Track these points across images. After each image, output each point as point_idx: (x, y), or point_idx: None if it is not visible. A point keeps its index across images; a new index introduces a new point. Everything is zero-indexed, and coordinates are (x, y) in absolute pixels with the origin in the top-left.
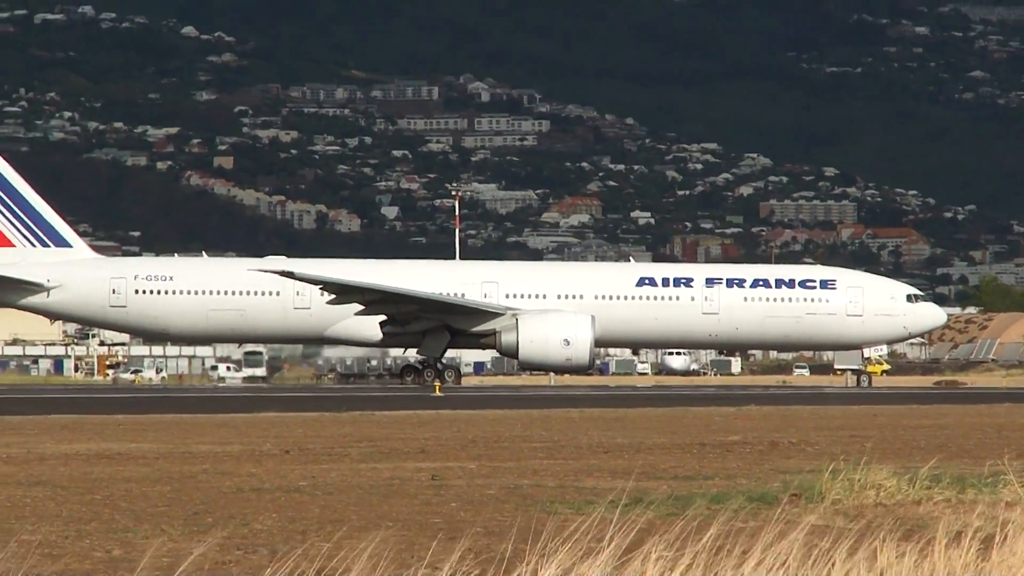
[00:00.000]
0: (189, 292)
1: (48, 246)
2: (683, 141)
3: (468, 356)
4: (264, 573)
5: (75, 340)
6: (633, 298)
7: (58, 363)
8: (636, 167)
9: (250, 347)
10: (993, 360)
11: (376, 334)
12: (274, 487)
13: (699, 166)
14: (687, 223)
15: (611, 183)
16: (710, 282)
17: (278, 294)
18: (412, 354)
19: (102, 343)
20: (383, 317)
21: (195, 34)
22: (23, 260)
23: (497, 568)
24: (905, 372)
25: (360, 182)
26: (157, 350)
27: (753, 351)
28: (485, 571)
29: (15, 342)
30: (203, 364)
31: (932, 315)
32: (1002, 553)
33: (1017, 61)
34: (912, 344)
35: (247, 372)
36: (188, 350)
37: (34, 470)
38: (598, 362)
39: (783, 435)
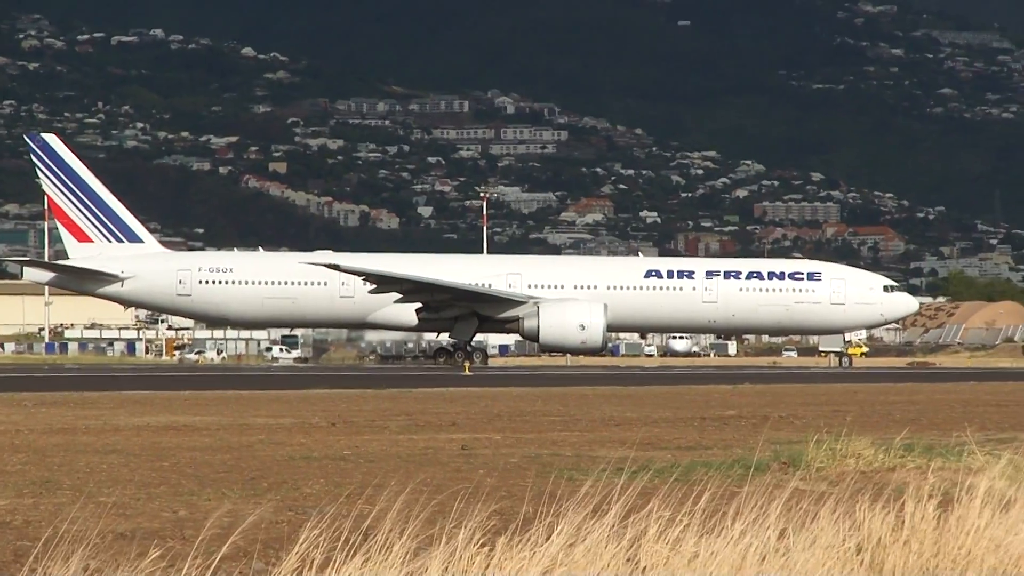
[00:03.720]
0: (247, 282)
1: (123, 242)
2: (686, 149)
3: (494, 339)
4: (306, 526)
5: (146, 325)
6: (641, 288)
7: (131, 345)
8: (644, 172)
9: (286, 332)
10: (959, 343)
11: (413, 320)
12: (322, 455)
13: (700, 171)
14: (689, 222)
15: (622, 186)
16: (710, 274)
17: (325, 284)
18: (444, 338)
19: (170, 327)
20: (419, 305)
21: (253, 54)
22: (101, 254)
23: (517, 525)
24: (882, 354)
25: (399, 185)
26: (218, 333)
27: (747, 335)
28: (507, 527)
29: (93, 326)
30: (259, 346)
31: (906, 304)
32: (960, 508)
33: (981, 80)
34: (888, 329)
35: (296, 353)
36: (245, 333)
37: (109, 440)
38: (610, 345)
39: (774, 410)
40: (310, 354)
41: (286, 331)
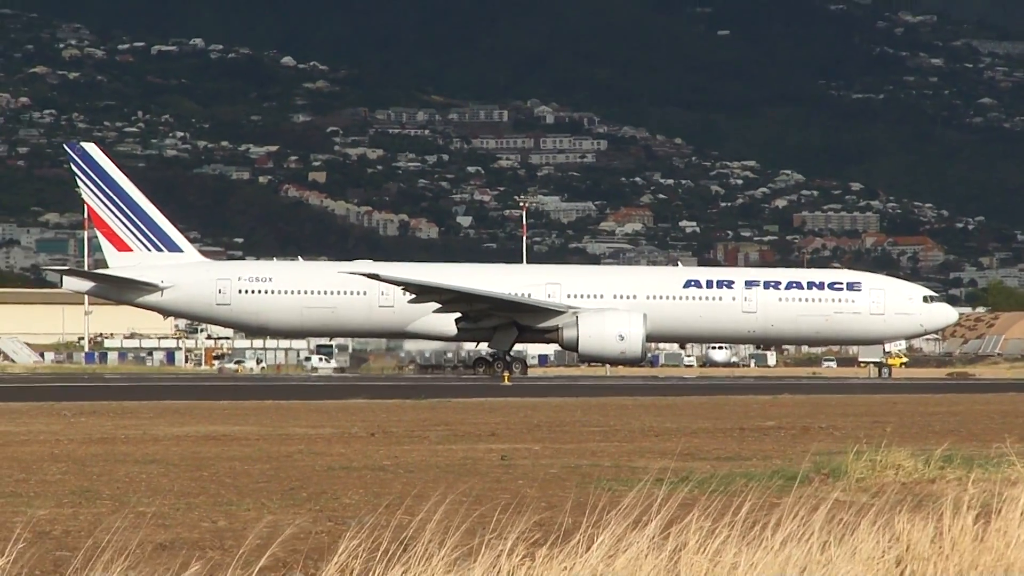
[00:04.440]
0: (286, 292)
1: (162, 251)
2: (725, 159)
3: (533, 350)
4: (345, 536)
5: (185, 334)
6: (680, 298)
7: (170, 355)
8: (684, 182)
9: (322, 341)
10: (999, 354)
11: (452, 329)
12: (361, 466)
13: (739, 181)
14: (728, 231)
15: (661, 196)
16: (749, 284)
17: (365, 293)
18: (484, 347)
19: (209, 337)
20: (458, 314)
21: (293, 63)
22: (140, 263)
23: (557, 536)
24: (921, 365)
25: (438, 194)
26: (257, 343)
27: (787, 346)
28: (546, 538)
29: (132, 336)
30: (298, 355)
31: (945, 314)
32: (999, 521)
33: (1021, 90)
34: (927, 340)
35: (334, 364)
36: (285, 343)
37: (149, 449)
38: (649, 355)
39: (813, 420)
40: (347, 363)
41: (325, 341)
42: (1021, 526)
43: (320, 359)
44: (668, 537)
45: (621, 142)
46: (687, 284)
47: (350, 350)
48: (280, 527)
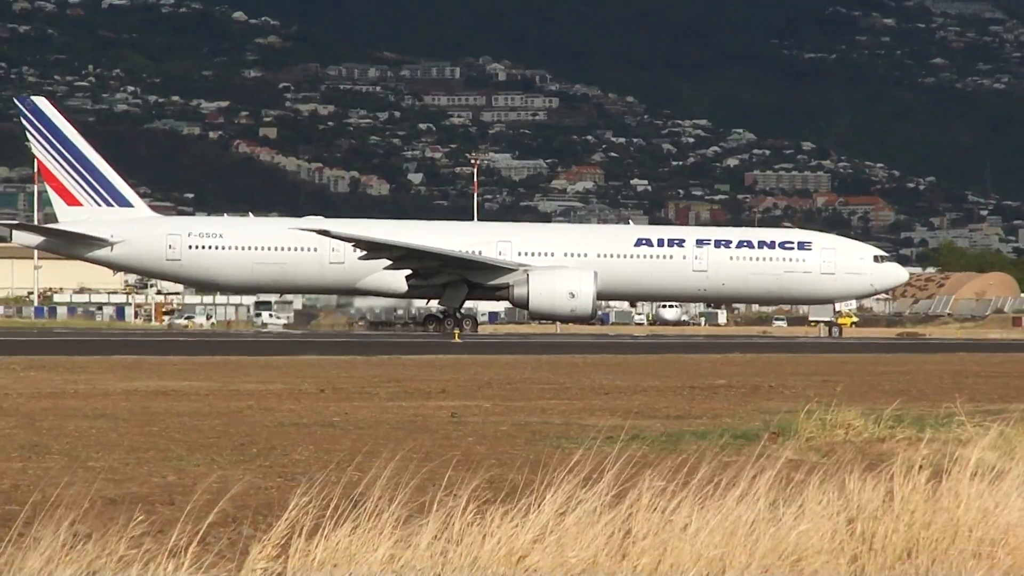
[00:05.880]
0: (237, 248)
1: (112, 205)
2: (677, 118)
3: (484, 307)
4: (295, 492)
5: (135, 290)
6: (631, 256)
7: (120, 310)
8: (635, 140)
9: (264, 297)
10: (949, 314)
11: (402, 286)
12: (311, 422)
13: (691, 140)
14: (680, 190)
15: (613, 154)
16: (700, 243)
17: (315, 250)
18: (434, 304)
19: (159, 292)
20: (408, 271)
21: (244, 18)
22: (90, 218)
23: (508, 494)
24: (871, 324)
25: (389, 151)
26: (207, 299)
27: (737, 304)
28: (497, 496)
29: (82, 291)
30: (248, 311)
31: (896, 274)
32: (950, 480)
33: (973, 50)
34: (878, 299)
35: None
36: (235, 299)
37: (99, 404)
38: (599, 313)
39: (763, 380)
40: (291, 319)
41: (266, 297)
42: (972, 486)
43: (271, 315)
44: (620, 495)
45: (573, 100)
46: (638, 243)
47: (298, 307)
48: (230, 483)
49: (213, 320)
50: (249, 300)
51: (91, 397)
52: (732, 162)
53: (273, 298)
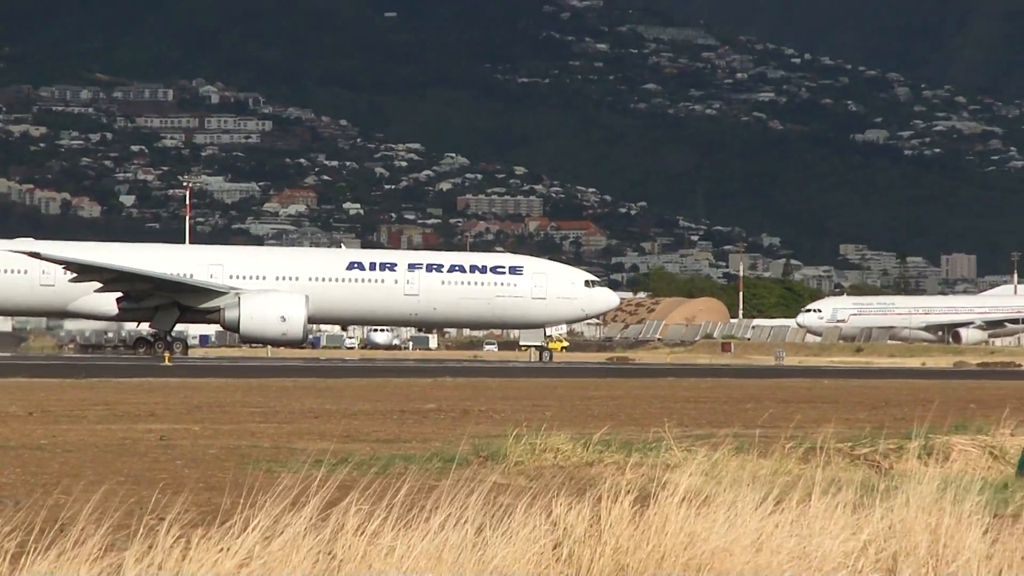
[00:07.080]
0: None
1: None
2: (390, 141)
3: (195, 330)
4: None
5: None
6: (343, 280)
7: None
8: (348, 163)
9: None
10: (659, 339)
11: (113, 309)
12: (18, 445)
13: (404, 163)
14: (392, 214)
15: (325, 177)
16: (412, 267)
17: (26, 272)
18: (145, 327)
19: None
20: (120, 294)
21: None
22: None
23: (214, 517)
24: (582, 349)
25: (101, 173)
26: None
27: (449, 328)
28: (204, 519)
29: None
30: None
31: (606, 299)
32: (657, 504)
33: (685, 76)
34: (589, 324)
35: None
36: None
37: None
38: (311, 337)
39: (474, 403)
40: None
41: None
42: (678, 510)
43: None
44: (326, 519)
45: (286, 123)
46: (350, 266)
47: (7, 329)
48: None
49: None
50: None
51: None
52: (445, 186)
53: None
